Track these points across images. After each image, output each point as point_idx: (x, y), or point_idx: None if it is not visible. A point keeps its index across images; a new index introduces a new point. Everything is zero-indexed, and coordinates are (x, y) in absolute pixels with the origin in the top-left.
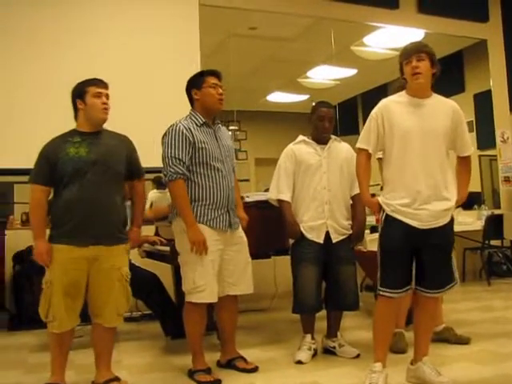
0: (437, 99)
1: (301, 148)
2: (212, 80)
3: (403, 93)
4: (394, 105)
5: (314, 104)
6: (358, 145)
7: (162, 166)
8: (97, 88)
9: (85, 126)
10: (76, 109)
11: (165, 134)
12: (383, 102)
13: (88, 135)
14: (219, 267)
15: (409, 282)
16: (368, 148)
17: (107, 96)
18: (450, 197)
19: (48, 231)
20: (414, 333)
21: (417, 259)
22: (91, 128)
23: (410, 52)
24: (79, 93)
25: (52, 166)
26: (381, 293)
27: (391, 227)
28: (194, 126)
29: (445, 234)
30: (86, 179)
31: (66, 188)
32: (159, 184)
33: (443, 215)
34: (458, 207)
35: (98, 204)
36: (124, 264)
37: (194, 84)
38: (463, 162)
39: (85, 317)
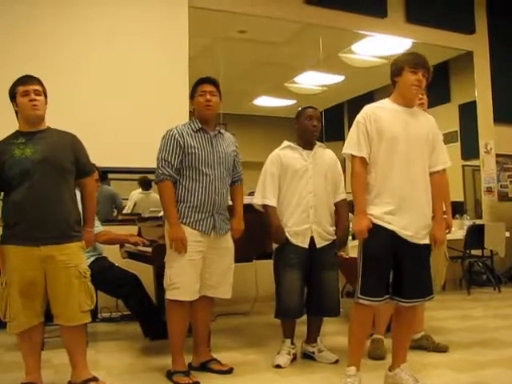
0: (418, 110)
1: (287, 153)
2: (202, 88)
3: (386, 100)
4: (380, 111)
5: (299, 109)
6: (349, 151)
7: (146, 166)
8: (23, 87)
9: (24, 126)
10: (16, 111)
11: (162, 138)
12: (369, 107)
13: (32, 135)
14: (200, 268)
15: (388, 291)
16: (361, 154)
17: (35, 91)
18: (430, 212)
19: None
20: (393, 340)
21: (396, 268)
22: (31, 127)
23: (420, 64)
24: (11, 95)
25: None
26: (360, 301)
27: (375, 235)
28: (191, 131)
29: (427, 245)
30: (35, 180)
31: (15, 190)
32: (144, 185)
33: (424, 236)
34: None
35: (47, 204)
36: (80, 261)
37: (191, 95)
38: (434, 179)
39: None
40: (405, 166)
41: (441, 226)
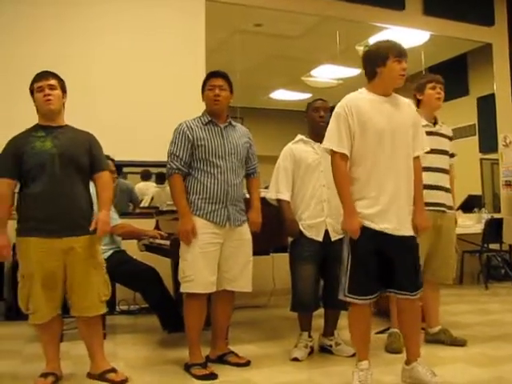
0: (396, 97)
1: (299, 147)
2: (211, 82)
3: (364, 90)
4: (361, 102)
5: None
6: (330, 146)
7: (162, 160)
8: (37, 83)
9: (42, 121)
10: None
11: (174, 131)
12: (348, 98)
13: (51, 129)
14: (218, 261)
15: (379, 289)
16: (342, 150)
17: (49, 86)
18: (411, 204)
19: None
20: (403, 335)
21: (388, 262)
22: (49, 121)
23: (403, 53)
24: (30, 91)
25: (17, 159)
26: (348, 299)
27: (363, 235)
28: (200, 124)
29: (412, 236)
30: (52, 173)
31: (33, 182)
32: (159, 178)
33: (409, 228)
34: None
35: (63, 197)
36: (97, 253)
37: (202, 89)
38: (415, 164)
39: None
40: (389, 159)
41: (422, 213)
